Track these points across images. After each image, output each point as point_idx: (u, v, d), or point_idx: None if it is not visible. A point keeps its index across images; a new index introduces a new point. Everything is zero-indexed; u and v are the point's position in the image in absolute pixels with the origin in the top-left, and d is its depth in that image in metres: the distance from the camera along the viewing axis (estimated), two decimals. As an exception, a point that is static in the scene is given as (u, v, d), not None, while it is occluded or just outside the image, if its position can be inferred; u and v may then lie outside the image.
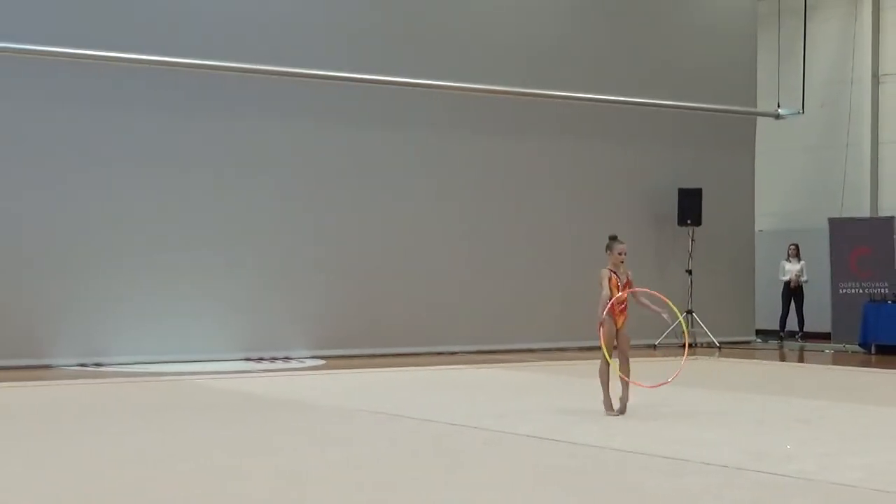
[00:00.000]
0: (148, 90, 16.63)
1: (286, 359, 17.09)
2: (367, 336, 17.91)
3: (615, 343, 10.56)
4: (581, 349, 19.08)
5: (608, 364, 10.55)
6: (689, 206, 20.62)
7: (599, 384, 10.69)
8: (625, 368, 10.56)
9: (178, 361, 16.06)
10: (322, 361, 16.87)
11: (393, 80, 18.14)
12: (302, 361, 16.89)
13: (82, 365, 15.69)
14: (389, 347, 17.94)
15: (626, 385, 10.56)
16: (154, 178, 16.62)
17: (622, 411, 10.50)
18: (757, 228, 23.05)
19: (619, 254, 10.54)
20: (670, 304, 10.65)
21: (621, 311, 10.52)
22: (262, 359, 16.93)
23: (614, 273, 10.52)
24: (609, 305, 10.41)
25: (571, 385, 14.07)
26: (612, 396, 10.61)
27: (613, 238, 10.72)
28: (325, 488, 7.17)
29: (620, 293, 10.42)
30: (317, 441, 9.24)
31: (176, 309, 16.63)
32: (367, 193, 18.22)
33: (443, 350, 18.42)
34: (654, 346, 19.43)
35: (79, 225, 16.10)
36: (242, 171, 17.27)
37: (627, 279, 10.57)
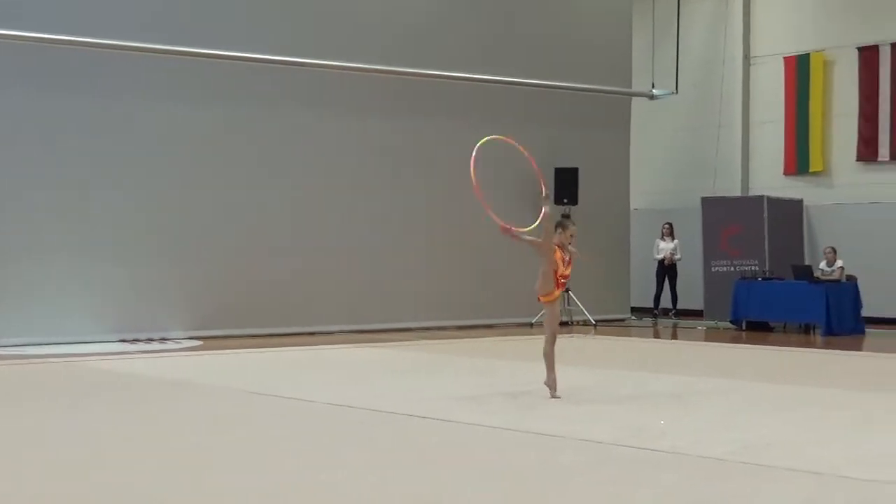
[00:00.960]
0: (12, 68, 16.24)
1: (162, 340, 16.89)
2: (245, 316, 17.78)
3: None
4: (459, 328, 19.19)
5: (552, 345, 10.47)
6: (566, 185, 20.79)
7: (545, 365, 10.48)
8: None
9: (49, 343, 15.75)
10: (199, 342, 16.70)
11: (255, 56, 17.88)
12: (178, 342, 16.70)
13: (-49, 348, 15.34)
14: (267, 328, 17.83)
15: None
16: (25, 159, 16.26)
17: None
18: (632, 207, 23.36)
19: (572, 235, 10.68)
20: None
21: (560, 286, 10.61)
22: (137, 340, 16.70)
23: (561, 249, 10.59)
24: (555, 277, 10.49)
25: (449, 364, 14.13)
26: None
27: (567, 216, 10.91)
28: (208, 471, 7.12)
29: (565, 269, 10.55)
30: (196, 423, 9.16)
31: (47, 290, 16.30)
32: (241, 172, 18.05)
33: (320, 330, 18.36)
34: (531, 325, 19.54)
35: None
36: (114, 151, 16.94)
37: (571, 258, 10.70)
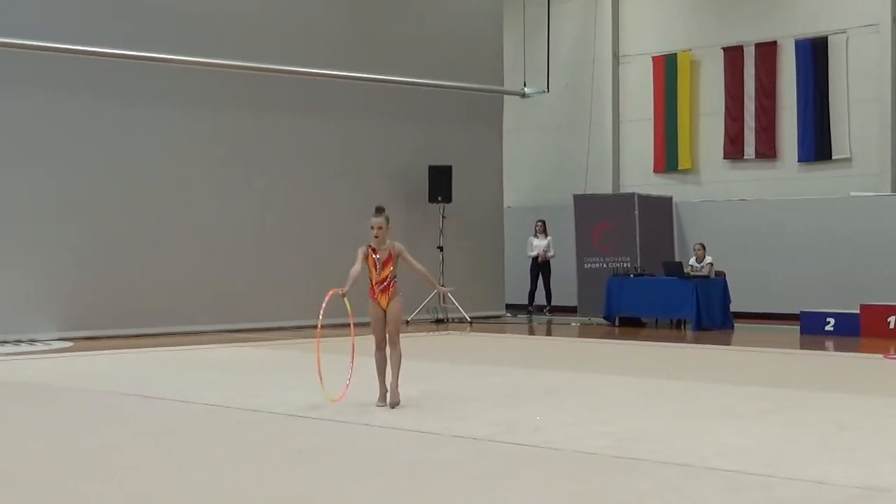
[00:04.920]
0: None
1: (31, 341, 16.53)
2: (118, 316, 17.47)
3: (384, 327, 9.76)
4: (333, 326, 19.10)
5: (380, 351, 9.83)
6: (440, 184, 20.85)
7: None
8: (393, 356, 9.71)
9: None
10: (70, 343, 16.37)
11: (118, 52, 17.65)
12: (48, 344, 16.36)
13: None
14: (141, 328, 17.56)
15: (393, 373, 9.74)
16: None
17: (392, 403, 9.62)
18: (505, 205, 23.52)
19: (371, 228, 9.65)
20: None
21: (382, 291, 9.76)
22: (5, 342, 16.32)
23: (372, 249, 9.70)
24: (370, 287, 9.78)
25: (323, 362, 14.05)
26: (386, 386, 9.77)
27: (379, 209, 9.73)
28: (73, 474, 7.00)
29: (380, 273, 9.67)
30: (65, 425, 8.99)
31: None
32: (117, 169, 17.76)
33: (195, 329, 18.13)
34: (407, 322, 19.57)
35: None
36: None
37: (390, 254, 9.65)
